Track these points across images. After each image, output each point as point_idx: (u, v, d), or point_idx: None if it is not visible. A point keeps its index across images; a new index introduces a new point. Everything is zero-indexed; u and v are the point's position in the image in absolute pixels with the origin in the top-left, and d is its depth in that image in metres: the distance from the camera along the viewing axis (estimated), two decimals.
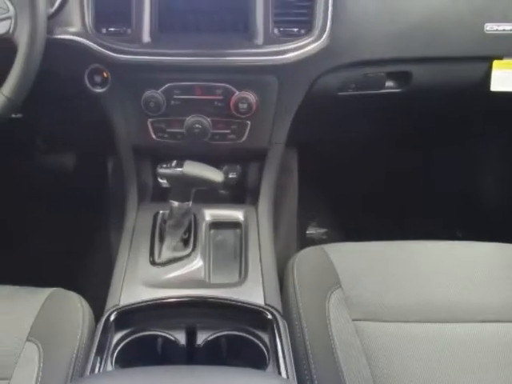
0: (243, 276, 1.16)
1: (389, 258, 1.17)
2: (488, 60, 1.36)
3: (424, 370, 0.93)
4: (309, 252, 1.20)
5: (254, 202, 1.40)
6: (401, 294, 1.07)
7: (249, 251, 1.22)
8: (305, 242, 1.98)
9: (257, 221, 1.33)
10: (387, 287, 1.08)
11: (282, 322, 1.03)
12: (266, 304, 1.08)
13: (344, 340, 0.98)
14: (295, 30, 1.20)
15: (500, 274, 1.14)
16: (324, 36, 1.19)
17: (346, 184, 2.03)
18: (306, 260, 1.18)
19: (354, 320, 1.02)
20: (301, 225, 1.96)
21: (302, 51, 1.18)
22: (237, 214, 1.33)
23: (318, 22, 1.19)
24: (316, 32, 1.19)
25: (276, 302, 1.10)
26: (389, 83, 1.38)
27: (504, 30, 1.30)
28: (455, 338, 0.99)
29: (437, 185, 2.08)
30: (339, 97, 1.38)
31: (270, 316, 1.04)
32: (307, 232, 2.10)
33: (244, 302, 1.06)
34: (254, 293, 1.11)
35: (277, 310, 1.07)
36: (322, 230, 2.11)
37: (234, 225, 1.32)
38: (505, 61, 1.35)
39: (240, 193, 1.46)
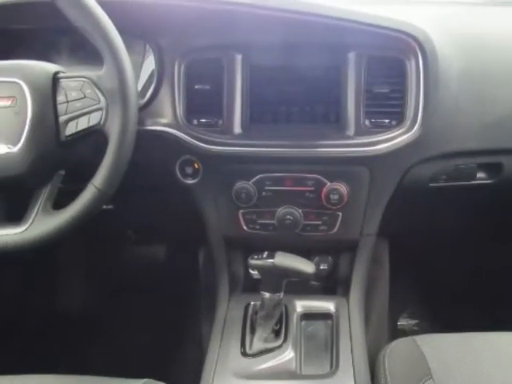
0: (334, 367, 1.13)
1: (480, 349, 1.12)
2: None
3: None
4: (400, 343, 1.17)
5: (345, 293, 1.37)
6: None
7: (340, 342, 1.20)
8: (396, 333, 1.92)
9: (348, 312, 1.30)
10: (479, 379, 1.03)
11: None
12: None
13: None
14: (386, 121, 1.20)
15: None
16: (415, 127, 1.18)
17: (437, 274, 1.99)
18: (397, 352, 1.14)
19: None
20: (392, 316, 1.90)
21: (393, 142, 1.19)
22: (328, 305, 1.30)
23: (410, 113, 1.19)
24: (407, 123, 1.19)
25: None
26: (480, 174, 1.35)
27: None
28: None
29: None
30: (430, 188, 1.36)
31: None
32: (398, 323, 2.04)
33: None
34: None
35: None
36: (413, 322, 2.05)
37: (325, 316, 1.29)
38: None
39: (331, 284, 1.43)
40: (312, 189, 1.24)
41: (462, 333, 1.17)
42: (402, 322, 2.05)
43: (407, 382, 1.05)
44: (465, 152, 1.29)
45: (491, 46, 1.30)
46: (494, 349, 1.12)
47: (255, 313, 1.23)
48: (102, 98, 1.01)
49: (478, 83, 1.27)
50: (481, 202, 1.57)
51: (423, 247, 1.93)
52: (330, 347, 1.20)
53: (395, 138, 1.19)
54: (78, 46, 1.27)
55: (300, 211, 1.25)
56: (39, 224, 1.01)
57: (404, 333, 1.98)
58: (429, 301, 2.06)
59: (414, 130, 1.18)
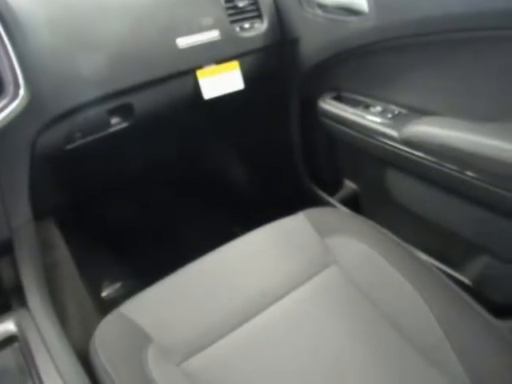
0: None
1: (185, 285, 1.13)
2: (192, 72, 1.37)
3: (262, 370, 0.95)
4: (106, 324, 1.05)
5: (24, 302, 1.15)
6: (210, 313, 1.06)
7: (36, 361, 1.00)
8: (106, 306, 1.80)
9: (35, 323, 1.11)
10: (195, 313, 1.06)
11: None
12: None
13: None
14: None
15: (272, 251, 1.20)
16: (21, 92, 1.02)
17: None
18: (107, 335, 1.03)
19: (177, 365, 0.97)
20: (94, 292, 1.76)
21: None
22: (8, 326, 1.08)
23: (7, 77, 1.01)
24: (10, 89, 1.01)
25: None
26: (114, 120, 1.30)
27: (193, 41, 1.33)
28: (271, 323, 1.03)
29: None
30: (71, 150, 1.25)
31: None
32: (103, 295, 1.91)
33: None
34: None
35: None
36: (118, 285, 1.94)
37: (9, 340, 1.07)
38: (205, 69, 1.39)
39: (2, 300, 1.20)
40: None
41: (160, 281, 1.14)
42: (107, 292, 1.93)
43: (129, 360, 0.96)
44: (88, 102, 1.19)
45: None
46: (198, 278, 1.15)
47: None
48: None
49: (73, 29, 1.17)
50: (134, 146, 1.55)
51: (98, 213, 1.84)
52: (29, 373, 1.00)
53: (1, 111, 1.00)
54: None
55: None
56: None
57: (114, 302, 1.87)
58: (120, 257, 1.98)
59: (20, 96, 1.02)
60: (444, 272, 1.36)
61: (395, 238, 1.22)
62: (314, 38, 1.50)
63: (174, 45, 1.30)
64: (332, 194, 1.80)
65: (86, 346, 1.02)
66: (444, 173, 1.17)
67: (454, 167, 1.14)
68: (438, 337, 0.97)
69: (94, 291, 1.81)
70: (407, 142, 1.25)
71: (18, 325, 1.09)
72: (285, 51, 1.57)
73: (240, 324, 1.03)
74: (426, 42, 1.18)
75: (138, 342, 0.99)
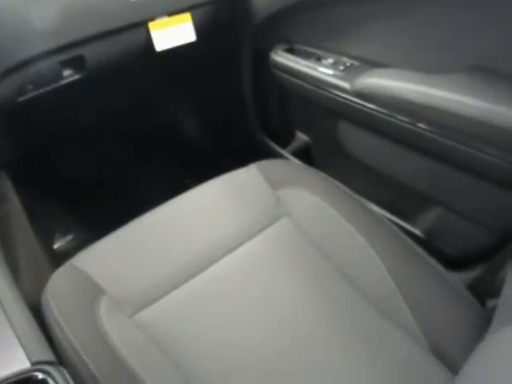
0: None
1: (137, 237, 1.14)
2: (144, 24, 1.35)
3: (214, 321, 0.97)
4: (58, 277, 1.05)
5: None
6: (162, 265, 1.07)
7: None
8: (57, 256, 1.79)
9: None
10: (148, 265, 1.07)
11: (58, 372, 0.86)
12: (33, 364, 0.90)
13: (129, 342, 0.92)
14: None
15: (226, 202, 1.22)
16: None
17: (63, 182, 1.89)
18: (59, 287, 1.03)
19: (129, 317, 0.98)
20: (45, 245, 1.75)
21: None
22: None
23: None
24: None
25: (44, 353, 0.92)
26: (66, 72, 1.28)
27: None
28: (224, 275, 1.05)
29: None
30: (23, 102, 1.23)
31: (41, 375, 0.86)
32: (55, 247, 1.90)
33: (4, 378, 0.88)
34: (11, 358, 0.91)
35: (49, 362, 0.89)
36: (70, 237, 1.93)
37: None
38: (158, 21, 1.37)
39: None
40: None
41: (113, 232, 1.15)
42: (59, 244, 1.92)
43: (81, 312, 0.97)
44: (40, 54, 1.17)
45: None
46: (151, 230, 1.16)
47: None
48: None
49: None
50: (86, 97, 1.49)
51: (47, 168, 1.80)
52: None
53: None
54: None
55: None
56: None
57: (67, 254, 1.85)
58: (66, 208, 1.94)
59: None
60: (396, 224, 1.38)
61: (347, 189, 1.23)
62: None
63: None
64: (284, 146, 1.81)
65: (39, 299, 1.02)
66: (396, 125, 1.19)
67: (406, 119, 1.16)
68: (390, 288, 0.99)
69: (47, 243, 1.79)
70: (359, 94, 1.26)
71: None
72: (237, 3, 1.55)
73: (192, 276, 1.05)
74: None
75: (90, 294, 0.99)
